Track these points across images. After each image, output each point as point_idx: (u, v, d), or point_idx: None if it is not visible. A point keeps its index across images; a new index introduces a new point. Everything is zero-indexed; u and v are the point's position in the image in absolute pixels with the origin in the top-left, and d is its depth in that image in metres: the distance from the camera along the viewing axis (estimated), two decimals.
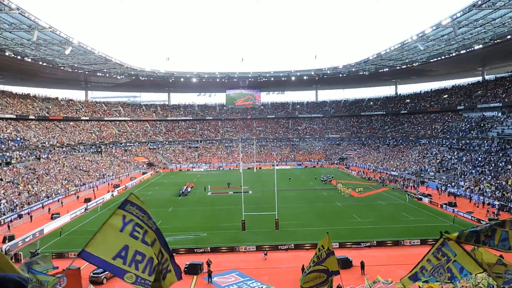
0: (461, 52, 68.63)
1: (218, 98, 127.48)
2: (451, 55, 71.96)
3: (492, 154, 59.12)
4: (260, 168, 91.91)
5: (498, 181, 50.04)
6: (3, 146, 62.91)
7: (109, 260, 3.91)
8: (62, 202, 53.51)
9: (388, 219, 41.58)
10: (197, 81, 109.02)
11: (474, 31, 58.61)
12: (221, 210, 47.55)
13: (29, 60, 67.94)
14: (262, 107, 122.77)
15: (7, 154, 62.29)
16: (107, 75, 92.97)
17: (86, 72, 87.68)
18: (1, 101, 76.82)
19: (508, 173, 50.89)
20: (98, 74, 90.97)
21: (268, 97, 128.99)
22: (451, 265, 4.60)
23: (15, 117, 75.21)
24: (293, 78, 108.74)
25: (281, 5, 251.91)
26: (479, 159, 60.27)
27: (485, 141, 63.96)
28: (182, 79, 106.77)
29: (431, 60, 78.30)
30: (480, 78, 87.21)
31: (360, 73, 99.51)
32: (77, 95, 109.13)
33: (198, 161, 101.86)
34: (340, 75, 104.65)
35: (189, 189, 61.58)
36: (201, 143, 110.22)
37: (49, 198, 53.67)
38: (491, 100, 72.72)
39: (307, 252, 31.02)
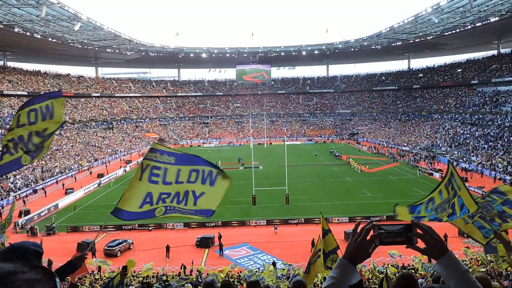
0: (477, 24, 66.75)
1: (228, 74, 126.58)
2: (466, 28, 70.03)
3: (505, 129, 58.30)
4: (270, 143, 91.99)
5: (510, 156, 49.51)
6: None
7: (138, 210, 4.22)
8: (75, 178, 54.42)
9: (398, 194, 41.57)
10: (207, 57, 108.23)
11: (490, 3, 56.83)
12: (231, 185, 47.37)
13: (39, 36, 67.82)
14: (272, 82, 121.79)
15: None
16: (117, 51, 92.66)
17: (96, 49, 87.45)
18: (12, 78, 77.39)
19: None
20: (108, 50, 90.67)
21: (278, 72, 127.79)
22: (455, 200, 4.18)
23: (26, 94, 75.79)
24: (304, 52, 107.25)
25: None
26: (492, 134, 59.53)
27: (499, 116, 62.97)
28: (191, 55, 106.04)
29: (446, 33, 76.38)
30: (495, 52, 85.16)
31: (372, 47, 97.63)
32: (87, 71, 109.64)
33: (208, 136, 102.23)
34: (352, 49, 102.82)
35: None
36: (211, 118, 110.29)
37: (63, 174, 54.59)
38: (506, 74, 71.15)
39: (317, 226, 31.26)
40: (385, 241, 1.97)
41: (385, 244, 1.98)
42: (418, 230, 1.99)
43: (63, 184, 49.51)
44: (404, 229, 1.98)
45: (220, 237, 28.00)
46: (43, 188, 47.03)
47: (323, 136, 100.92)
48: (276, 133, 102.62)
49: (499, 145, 55.06)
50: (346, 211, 34.71)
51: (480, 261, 18.36)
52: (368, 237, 1.96)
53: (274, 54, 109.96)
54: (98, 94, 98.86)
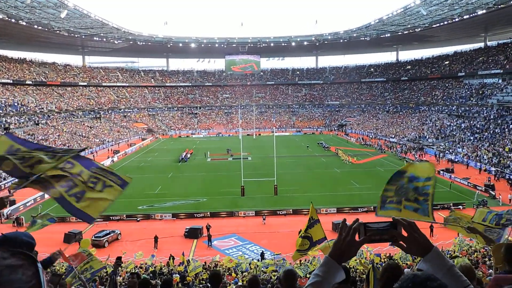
0: (464, 17, 67.29)
1: (217, 64, 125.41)
2: (454, 20, 70.55)
3: (491, 121, 59.14)
4: (259, 134, 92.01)
5: (495, 148, 50.31)
6: (0, 111, 62.65)
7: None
8: None
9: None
10: (195, 47, 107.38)
11: None
12: (220, 176, 47.96)
13: (24, 23, 66.46)
14: (262, 73, 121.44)
15: (5, 119, 62.14)
16: (104, 39, 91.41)
17: (83, 37, 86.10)
18: None
19: (505, 140, 51.09)
20: (95, 38, 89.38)
21: (268, 63, 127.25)
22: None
23: (11, 82, 74.48)
24: (293, 43, 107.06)
25: None
26: (478, 125, 60.35)
27: (484, 108, 63.83)
28: (180, 44, 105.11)
29: (434, 26, 76.89)
30: (482, 45, 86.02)
31: (361, 38, 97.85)
32: (74, 60, 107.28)
33: (197, 127, 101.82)
34: (341, 41, 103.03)
35: (188, 155, 61.86)
36: (200, 109, 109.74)
37: None
38: (492, 66, 72.01)
39: (305, 217, 31.41)
40: (370, 239, 1.97)
41: (370, 242, 1.98)
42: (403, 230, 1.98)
43: None
44: (389, 227, 1.97)
45: (208, 227, 28.03)
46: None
47: (312, 127, 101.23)
48: (265, 124, 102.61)
49: (484, 136, 55.88)
50: (334, 202, 35.00)
51: (465, 250, 18.70)
52: (356, 237, 1.95)
53: (263, 44, 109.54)
54: (85, 83, 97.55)
